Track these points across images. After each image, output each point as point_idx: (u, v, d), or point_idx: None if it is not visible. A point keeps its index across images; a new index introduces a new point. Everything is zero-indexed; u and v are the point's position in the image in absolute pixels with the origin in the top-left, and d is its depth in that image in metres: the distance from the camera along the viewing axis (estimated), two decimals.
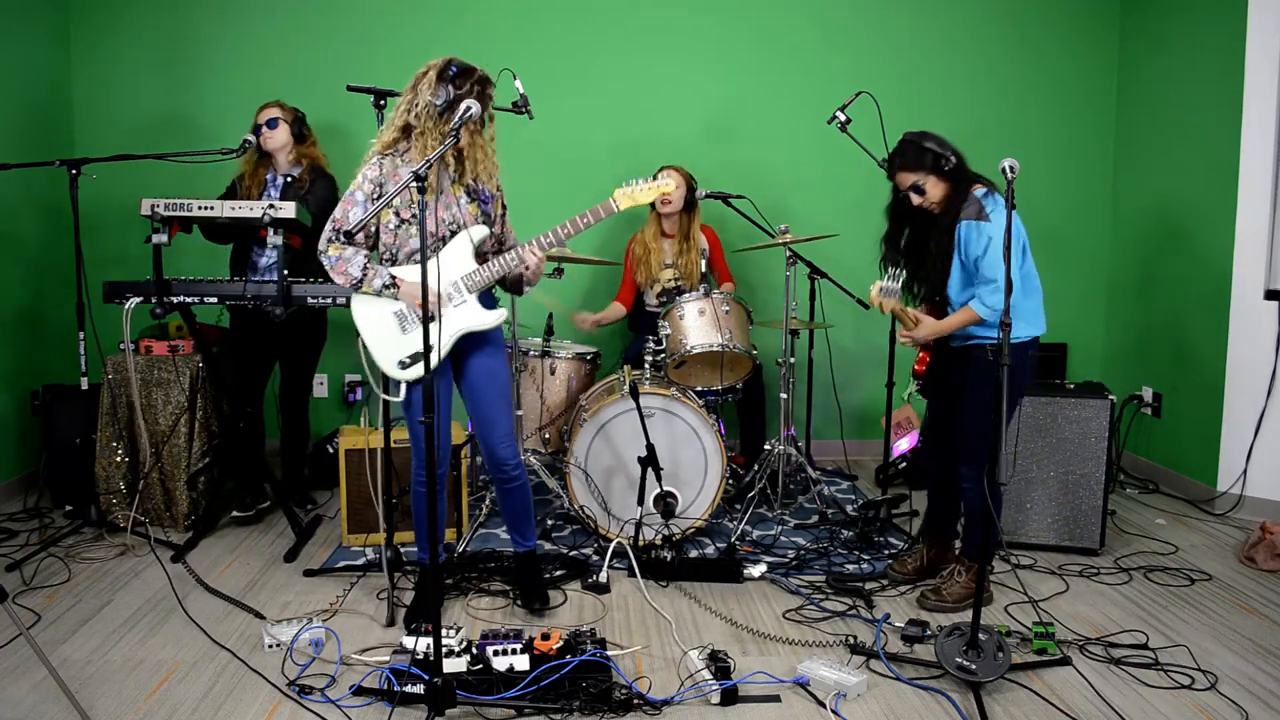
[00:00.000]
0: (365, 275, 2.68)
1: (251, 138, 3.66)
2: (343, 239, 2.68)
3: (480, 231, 2.74)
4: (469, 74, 2.64)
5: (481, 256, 2.79)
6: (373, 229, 2.74)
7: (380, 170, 2.71)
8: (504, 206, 2.87)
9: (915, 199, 2.90)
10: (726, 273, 4.42)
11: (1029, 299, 2.90)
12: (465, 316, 2.74)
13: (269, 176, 3.77)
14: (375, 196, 2.69)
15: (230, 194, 3.76)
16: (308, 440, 4.12)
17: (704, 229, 4.33)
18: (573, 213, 2.77)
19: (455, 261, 2.73)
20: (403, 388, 2.77)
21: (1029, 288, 2.90)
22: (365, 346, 2.79)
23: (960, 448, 2.99)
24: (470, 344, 2.81)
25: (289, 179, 3.76)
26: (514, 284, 2.91)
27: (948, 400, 3.07)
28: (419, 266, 2.60)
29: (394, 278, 2.69)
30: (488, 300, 2.82)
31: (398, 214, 2.72)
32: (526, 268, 2.72)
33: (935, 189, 2.87)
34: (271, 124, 3.68)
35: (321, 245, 2.72)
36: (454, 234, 2.74)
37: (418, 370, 2.73)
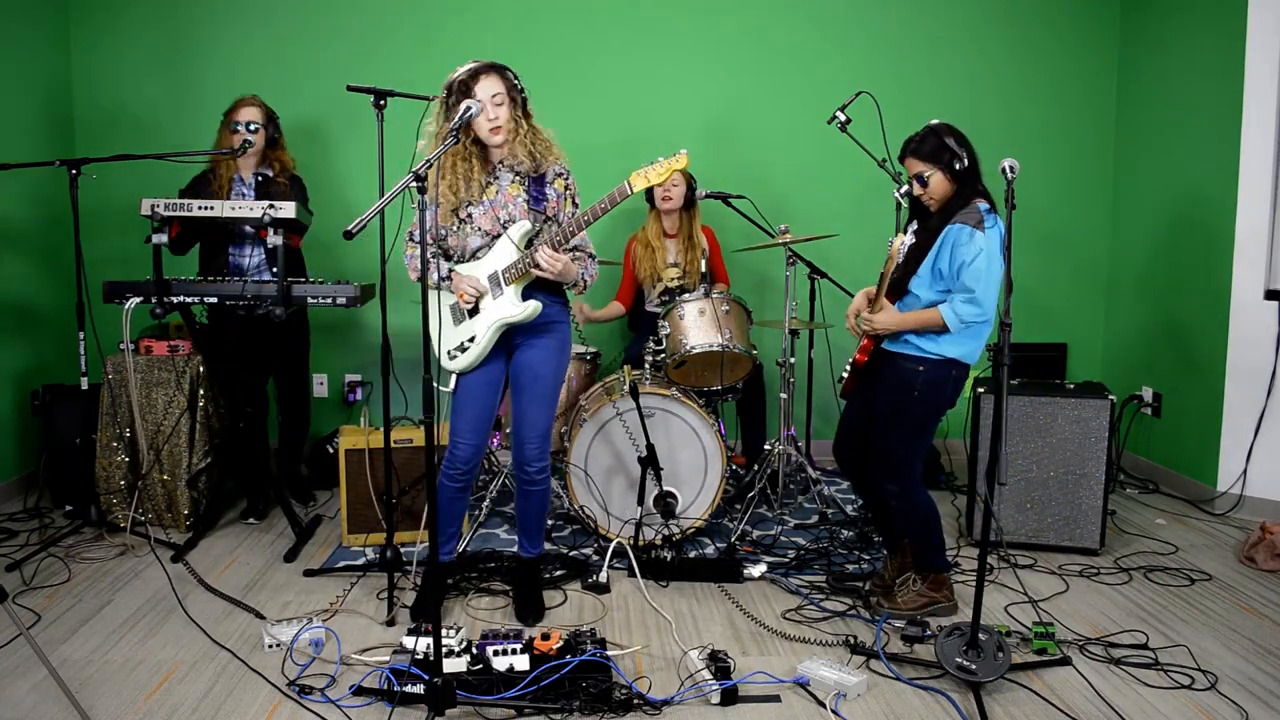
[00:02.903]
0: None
1: (251, 138, 3.65)
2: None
3: (520, 227, 2.77)
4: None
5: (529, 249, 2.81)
6: (441, 233, 2.82)
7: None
8: (574, 204, 2.87)
9: (917, 189, 2.84)
10: (723, 274, 4.42)
11: (972, 337, 2.77)
12: (500, 308, 2.79)
13: (234, 176, 3.73)
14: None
15: (192, 193, 3.68)
16: (305, 438, 4.12)
17: (703, 229, 4.32)
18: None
19: (500, 255, 2.79)
20: (452, 379, 2.89)
21: (979, 326, 2.75)
22: (433, 338, 2.87)
23: (878, 463, 2.91)
24: (521, 338, 2.85)
25: (261, 178, 3.74)
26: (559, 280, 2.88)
27: (866, 407, 2.97)
28: (473, 264, 2.82)
29: (451, 271, 2.82)
30: (530, 293, 2.80)
31: (458, 216, 2.82)
32: (537, 266, 2.70)
33: (939, 186, 2.79)
34: (252, 128, 3.66)
35: (403, 246, 2.87)
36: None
37: (462, 361, 2.84)
